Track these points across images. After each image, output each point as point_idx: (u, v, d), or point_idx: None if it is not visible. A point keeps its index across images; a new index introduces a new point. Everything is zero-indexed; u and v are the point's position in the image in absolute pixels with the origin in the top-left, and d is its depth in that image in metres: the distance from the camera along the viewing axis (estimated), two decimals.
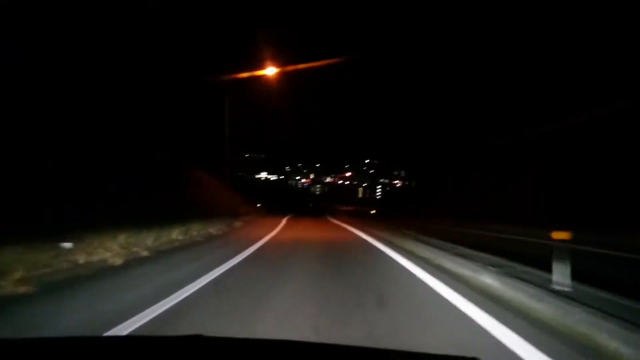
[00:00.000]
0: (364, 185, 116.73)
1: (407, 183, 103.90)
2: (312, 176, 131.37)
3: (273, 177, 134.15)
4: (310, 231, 17.30)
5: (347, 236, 14.99)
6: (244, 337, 1.79)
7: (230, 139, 23.28)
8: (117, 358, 1.52)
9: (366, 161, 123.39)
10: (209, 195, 20.93)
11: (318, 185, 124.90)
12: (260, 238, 12.49)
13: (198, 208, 16.07)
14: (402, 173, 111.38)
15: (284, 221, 24.03)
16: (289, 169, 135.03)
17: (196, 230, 12.52)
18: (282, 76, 21.75)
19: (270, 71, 20.09)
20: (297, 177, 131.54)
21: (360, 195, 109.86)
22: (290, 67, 21.40)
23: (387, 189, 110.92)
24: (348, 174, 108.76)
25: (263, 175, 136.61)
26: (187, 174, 18.63)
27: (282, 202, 55.56)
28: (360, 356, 1.66)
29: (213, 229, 14.17)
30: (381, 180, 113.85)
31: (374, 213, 49.53)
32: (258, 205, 37.18)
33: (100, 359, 1.52)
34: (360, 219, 30.73)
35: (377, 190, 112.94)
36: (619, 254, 9.21)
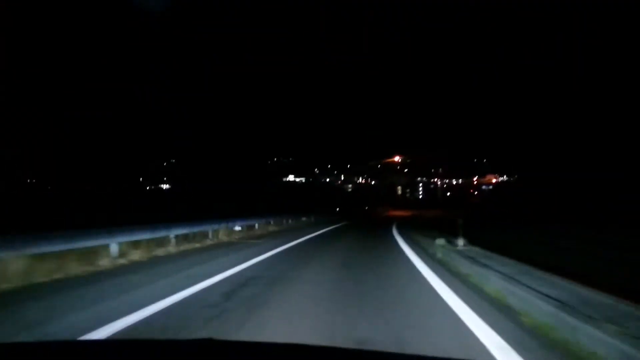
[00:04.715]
0: (400, 185, 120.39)
1: (445, 182, 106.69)
2: (342, 177, 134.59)
3: (300, 179, 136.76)
4: None
5: None
6: (255, 340, 1.81)
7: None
8: None
9: (396, 159, 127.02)
10: None
11: (349, 185, 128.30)
12: None
13: None
14: (440, 170, 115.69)
15: None
16: (317, 171, 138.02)
17: None
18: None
19: None
20: (327, 179, 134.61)
21: (399, 193, 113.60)
22: None
23: (431, 187, 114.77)
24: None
25: (290, 177, 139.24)
26: None
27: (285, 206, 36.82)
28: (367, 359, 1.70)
29: None
30: (418, 179, 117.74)
31: None
32: None
33: None
34: None
35: (419, 189, 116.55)
36: None
